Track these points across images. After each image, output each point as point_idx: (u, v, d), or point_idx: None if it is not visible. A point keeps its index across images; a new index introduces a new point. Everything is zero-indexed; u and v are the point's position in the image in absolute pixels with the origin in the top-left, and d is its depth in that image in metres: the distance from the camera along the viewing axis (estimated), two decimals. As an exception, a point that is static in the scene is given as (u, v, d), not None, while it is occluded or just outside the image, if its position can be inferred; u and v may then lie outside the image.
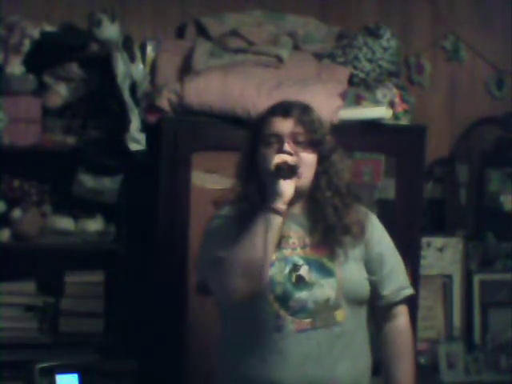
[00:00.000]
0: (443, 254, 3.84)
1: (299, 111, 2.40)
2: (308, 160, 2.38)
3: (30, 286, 3.39)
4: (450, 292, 3.86)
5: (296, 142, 2.37)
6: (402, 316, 2.50)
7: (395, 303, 2.48)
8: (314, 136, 2.38)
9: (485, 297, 3.89)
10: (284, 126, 2.37)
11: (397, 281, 2.48)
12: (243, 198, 2.42)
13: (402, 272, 2.52)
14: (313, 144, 2.38)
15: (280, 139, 2.36)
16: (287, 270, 2.35)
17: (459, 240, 3.87)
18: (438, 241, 3.83)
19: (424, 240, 3.66)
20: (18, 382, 3.03)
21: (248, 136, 2.47)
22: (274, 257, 2.34)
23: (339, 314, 2.36)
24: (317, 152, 2.39)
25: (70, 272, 3.40)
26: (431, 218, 3.83)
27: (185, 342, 3.16)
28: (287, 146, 2.35)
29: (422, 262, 3.54)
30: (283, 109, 2.41)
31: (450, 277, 3.86)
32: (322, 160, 2.40)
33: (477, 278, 3.88)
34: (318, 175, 2.40)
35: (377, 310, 2.49)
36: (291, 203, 2.36)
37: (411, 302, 2.58)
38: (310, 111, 2.43)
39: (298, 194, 2.37)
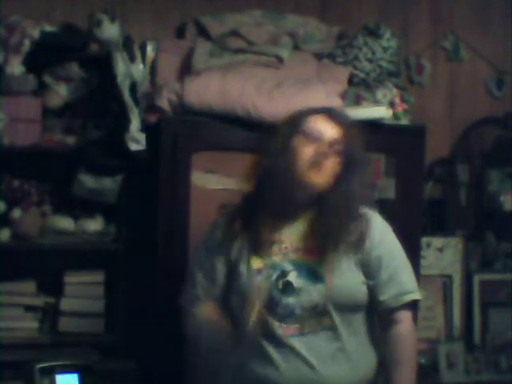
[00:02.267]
0: (443, 254, 3.84)
1: (346, 126, 2.42)
2: (333, 165, 2.38)
3: (30, 286, 3.39)
4: (450, 292, 3.85)
5: (331, 147, 2.38)
6: (403, 322, 2.42)
7: (395, 309, 2.42)
8: (348, 151, 2.39)
9: (485, 297, 3.88)
10: (328, 129, 2.40)
11: (398, 286, 2.42)
12: (245, 204, 2.43)
13: (407, 276, 2.45)
14: (343, 156, 2.39)
15: (319, 139, 2.38)
16: (274, 276, 2.36)
17: (459, 240, 3.86)
18: (438, 241, 3.83)
19: (424, 240, 3.66)
20: (18, 382, 3.03)
21: (279, 132, 2.46)
22: (262, 264, 2.36)
23: (327, 320, 2.35)
24: (343, 162, 2.40)
25: (70, 272, 3.40)
26: (431, 218, 3.83)
27: (185, 342, 3.16)
28: (324, 148, 2.36)
29: (422, 262, 3.54)
30: (330, 113, 2.44)
31: (450, 277, 3.85)
32: (344, 172, 2.40)
33: (477, 278, 3.88)
34: (338, 182, 2.39)
35: (377, 315, 2.45)
36: (298, 207, 2.38)
37: (415, 306, 2.52)
38: (353, 125, 2.46)
39: (309, 198, 2.39)
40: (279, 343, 2.33)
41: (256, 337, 2.33)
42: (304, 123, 2.41)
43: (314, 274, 2.35)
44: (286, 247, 2.38)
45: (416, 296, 2.46)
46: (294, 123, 2.43)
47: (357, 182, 2.40)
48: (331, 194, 2.38)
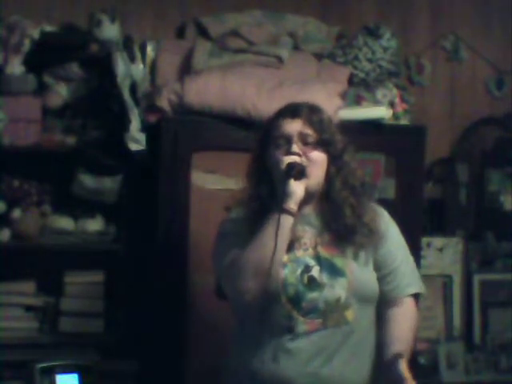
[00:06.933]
0: (443, 254, 3.84)
1: (307, 111, 2.41)
2: (317, 159, 2.38)
3: (30, 286, 3.39)
4: (450, 292, 3.85)
5: (305, 143, 2.38)
6: (404, 305, 2.43)
7: (397, 297, 2.43)
8: (322, 136, 2.39)
9: (485, 297, 3.88)
10: (292, 127, 2.38)
11: (403, 278, 2.44)
12: (254, 198, 2.42)
13: (411, 270, 2.48)
14: (322, 144, 2.39)
15: (288, 140, 2.37)
16: (299, 271, 2.36)
17: (459, 240, 3.87)
18: (438, 241, 3.83)
19: (424, 240, 3.66)
20: (18, 382, 3.03)
21: (257, 138, 2.47)
22: (286, 258, 2.35)
23: (350, 314, 2.36)
24: (327, 152, 2.40)
25: (69, 272, 3.40)
26: (431, 218, 3.83)
27: (185, 342, 3.16)
28: (295, 147, 2.36)
29: (422, 262, 3.54)
30: (291, 110, 2.42)
31: (450, 277, 3.85)
32: (334, 160, 2.41)
33: (477, 278, 3.88)
34: (331, 175, 2.40)
35: (381, 305, 2.45)
36: (303, 204, 2.37)
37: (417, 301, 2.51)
38: (318, 111, 2.44)
39: (309, 195, 2.38)
40: (302, 338, 2.33)
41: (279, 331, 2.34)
42: (272, 130, 2.41)
43: (334, 268, 2.37)
44: (305, 243, 2.39)
45: (419, 289, 2.48)
46: (265, 132, 2.44)
47: (349, 167, 2.41)
48: (333, 188, 2.40)
